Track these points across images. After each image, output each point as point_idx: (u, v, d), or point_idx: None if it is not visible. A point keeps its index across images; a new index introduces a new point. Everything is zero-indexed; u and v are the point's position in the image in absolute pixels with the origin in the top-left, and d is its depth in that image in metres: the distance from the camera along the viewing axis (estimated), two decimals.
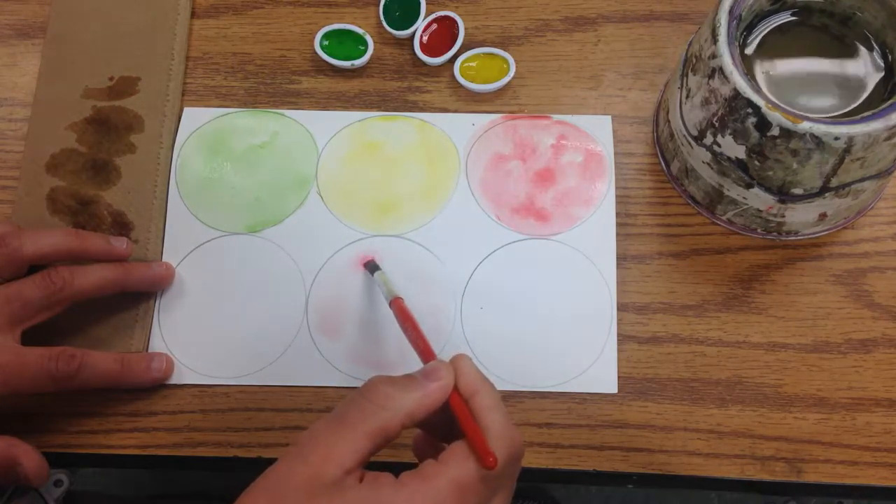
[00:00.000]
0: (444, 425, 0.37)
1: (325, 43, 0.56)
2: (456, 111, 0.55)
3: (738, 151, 0.45)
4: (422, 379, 0.35)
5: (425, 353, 0.39)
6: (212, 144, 0.55)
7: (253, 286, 0.52)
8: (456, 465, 0.33)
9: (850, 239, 0.52)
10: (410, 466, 0.50)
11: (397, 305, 0.44)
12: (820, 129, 0.41)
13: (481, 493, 0.33)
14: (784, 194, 0.46)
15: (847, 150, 0.42)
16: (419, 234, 0.53)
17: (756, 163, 0.45)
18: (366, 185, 0.54)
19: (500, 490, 0.35)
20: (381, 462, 0.49)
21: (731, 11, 0.44)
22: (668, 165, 0.53)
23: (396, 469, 0.51)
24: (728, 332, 0.50)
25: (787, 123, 0.42)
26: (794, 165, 0.44)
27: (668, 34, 0.56)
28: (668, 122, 0.51)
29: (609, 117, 0.55)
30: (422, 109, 0.55)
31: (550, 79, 0.56)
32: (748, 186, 0.47)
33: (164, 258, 0.53)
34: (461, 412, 0.35)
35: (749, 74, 0.43)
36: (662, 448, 0.48)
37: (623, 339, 0.50)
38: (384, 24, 0.56)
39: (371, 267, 0.51)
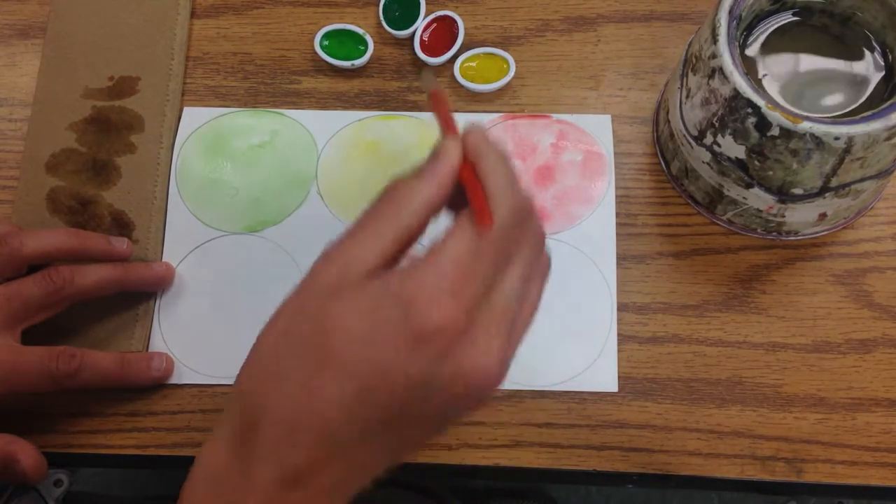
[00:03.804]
0: None
1: (325, 43, 0.56)
2: (456, 111, 0.55)
3: (738, 151, 0.45)
4: (430, 164, 0.33)
5: (447, 128, 0.35)
6: (212, 144, 0.55)
7: (253, 286, 0.52)
8: (458, 235, 0.31)
9: (850, 239, 0.52)
10: (412, 467, 0.50)
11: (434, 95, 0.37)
12: (820, 129, 0.41)
13: (490, 260, 0.31)
14: (784, 194, 0.46)
15: (847, 150, 0.42)
16: None
17: (756, 163, 0.45)
18: (366, 184, 0.54)
19: (514, 258, 0.32)
20: None
21: (731, 11, 0.44)
22: (668, 165, 0.53)
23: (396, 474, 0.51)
24: (728, 332, 0.50)
25: (787, 123, 0.42)
26: (794, 165, 0.44)
27: (668, 34, 0.56)
28: (668, 122, 0.51)
29: (609, 116, 0.55)
30: (422, 109, 0.55)
31: (550, 79, 0.56)
32: (748, 186, 0.47)
33: (164, 258, 0.53)
34: (466, 179, 0.32)
35: (749, 74, 0.43)
36: (662, 448, 0.48)
37: (623, 339, 0.50)
38: (384, 23, 0.56)
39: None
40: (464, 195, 0.33)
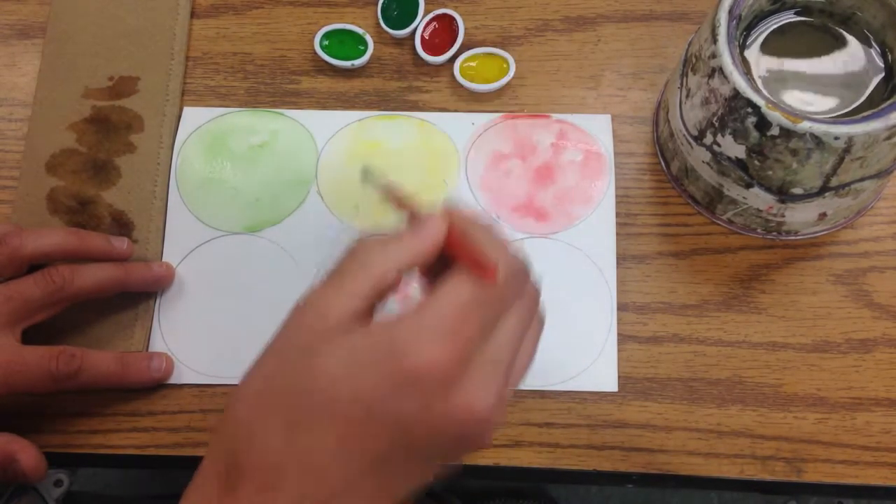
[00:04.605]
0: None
1: (325, 43, 0.56)
2: (456, 111, 0.55)
3: (738, 151, 0.45)
4: (415, 227, 0.33)
5: (413, 214, 0.36)
6: (212, 144, 0.55)
7: (253, 286, 0.52)
8: (453, 286, 0.31)
9: (850, 239, 0.52)
10: None
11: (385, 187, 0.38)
12: (820, 128, 0.41)
13: (485, 312, 0.32)
14: (784, 194, 0.46)
15: (847, 150, 0.42)
16: None
17: (756, 162, 0.45)
18: (366, 184, 0.54)
19: (511, 311, 0.33)
20: None
21: (731, 11, 0.44)
22: (668, 165, 0.53)
23: None
24: (728, 331, 0.50)
25: (787, 123, 0.42)
26: (794, 165, 0.44)
27: (668, 34, 0.56)
28: (668, 121, 0.51)
29: (608, 116, 0.55)
30: (422, 109, 0.55)
31: (550, 78, 0.56)
32: (748, 186, 0.47)
33: (164, 258, 0.53)
34: (456, 242, 0.33)
35: (749, 74, 0.43)
36: (662, 448, 0.48)
37: (623, 338, 0.50)
38: (381, 23, 0.56)
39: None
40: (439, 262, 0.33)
